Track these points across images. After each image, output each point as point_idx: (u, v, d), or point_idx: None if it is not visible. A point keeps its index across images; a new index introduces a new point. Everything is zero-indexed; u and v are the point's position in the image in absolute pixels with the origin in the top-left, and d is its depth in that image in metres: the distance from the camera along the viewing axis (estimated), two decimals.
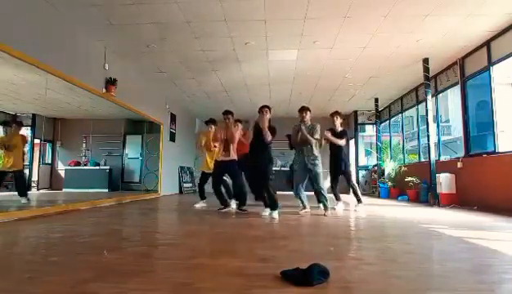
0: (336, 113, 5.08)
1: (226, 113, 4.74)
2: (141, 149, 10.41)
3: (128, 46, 5.55)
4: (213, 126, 5.42)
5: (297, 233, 3.07)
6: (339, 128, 5.04)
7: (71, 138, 10.53)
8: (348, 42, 5.32)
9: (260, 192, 4.34)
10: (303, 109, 4.46)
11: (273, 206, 4.06)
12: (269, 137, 4.08)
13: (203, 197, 5.36)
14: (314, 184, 4.39)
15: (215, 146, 4.97)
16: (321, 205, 4.47)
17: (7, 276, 1.69)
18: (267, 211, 4.12)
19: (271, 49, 5.64)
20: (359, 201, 5.06)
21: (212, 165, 5.03)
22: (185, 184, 10.05)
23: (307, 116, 4.43)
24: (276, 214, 4.00)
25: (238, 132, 4.72)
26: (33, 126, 9.30)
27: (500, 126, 5.01)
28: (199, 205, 5.31)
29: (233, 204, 5.03)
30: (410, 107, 8.06)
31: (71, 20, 4.60)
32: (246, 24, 4.77)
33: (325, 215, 4.23)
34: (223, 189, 4.91)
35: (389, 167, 8.41)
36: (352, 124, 10.55)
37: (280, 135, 4.79)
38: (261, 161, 4.13)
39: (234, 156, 4.59)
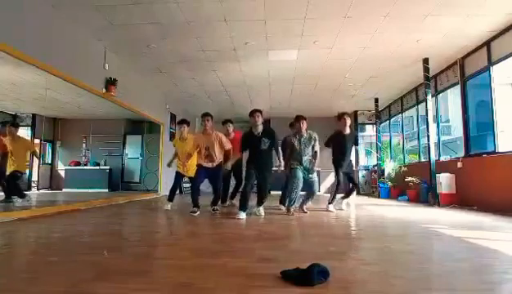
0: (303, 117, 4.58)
1: (207, 114, 4.47)
2: (141, 149, 10.42)
3: (128, 46, 5.55)
4: (185, 127, 4.98)
5: (297, 233, 3.07)
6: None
7: (71, 138, 10.53)
8: (348, 42, 5.32)
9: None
10: (300, 119, 4.49)
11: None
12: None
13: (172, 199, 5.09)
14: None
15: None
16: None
17: (8, 276, 1.70)
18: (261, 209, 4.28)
19: (271, 49, 5.64)
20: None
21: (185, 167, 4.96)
22: (185, 185, 10.03)
23: (304, 126, 4.48)
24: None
25: (223, 137, 4.55)
26: (33, 126, 9.31)
27: (500, 126, 5.01)
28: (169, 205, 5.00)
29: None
30: (411, 107, 8.05)
31: (71, 19, 4.60)
32: (246, 24, 4.76)
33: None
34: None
35: (389, 167, 8.41)
36: (352, 124, 10.54)
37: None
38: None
39: (220, 160, 4.50)
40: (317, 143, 4.51)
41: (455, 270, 1.80)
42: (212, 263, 1.90)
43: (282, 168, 4.43)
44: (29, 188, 9.00)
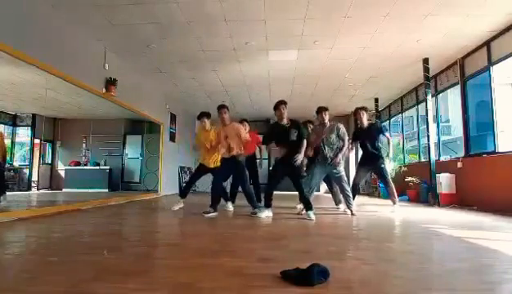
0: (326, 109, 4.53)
1: (223, 106, 4.43)
2: (141, 149, 10.42)
3: (128, 46, 5.55)
4: (206, 120, 4.77)
5: (297, 233, 3.07)
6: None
7: (71, 138, 10.54)
8: (348, 42, 5.32)
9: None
10: (322, 110, 4.41)
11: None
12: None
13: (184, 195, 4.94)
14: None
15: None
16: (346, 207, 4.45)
17: (7, 276, 1.69)
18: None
19: (271, 49, 5.64)
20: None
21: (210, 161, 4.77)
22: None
23: (327, 116, 4.41)
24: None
25: (243, 130, 4.48)
26: (33, 126, 9.33)
27: (500, 126, 5.01)
28: (178, 206, 4.79)
29: (230, 206, 4.81)
30: (410, 107, 8.06)
31: (71, 20, 4.60)
32: (246, 24, 4.76)
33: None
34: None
35: (389, 167, 8.40)
36: (353, 124, 10.55)
37: None
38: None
39: (238, 151, 4.35)
40: (343, 131, 4.34)
41: (455, 270, 1.80)
42: (212, 263, 1.90)
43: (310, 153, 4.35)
44: (29, 188, 9.03)
